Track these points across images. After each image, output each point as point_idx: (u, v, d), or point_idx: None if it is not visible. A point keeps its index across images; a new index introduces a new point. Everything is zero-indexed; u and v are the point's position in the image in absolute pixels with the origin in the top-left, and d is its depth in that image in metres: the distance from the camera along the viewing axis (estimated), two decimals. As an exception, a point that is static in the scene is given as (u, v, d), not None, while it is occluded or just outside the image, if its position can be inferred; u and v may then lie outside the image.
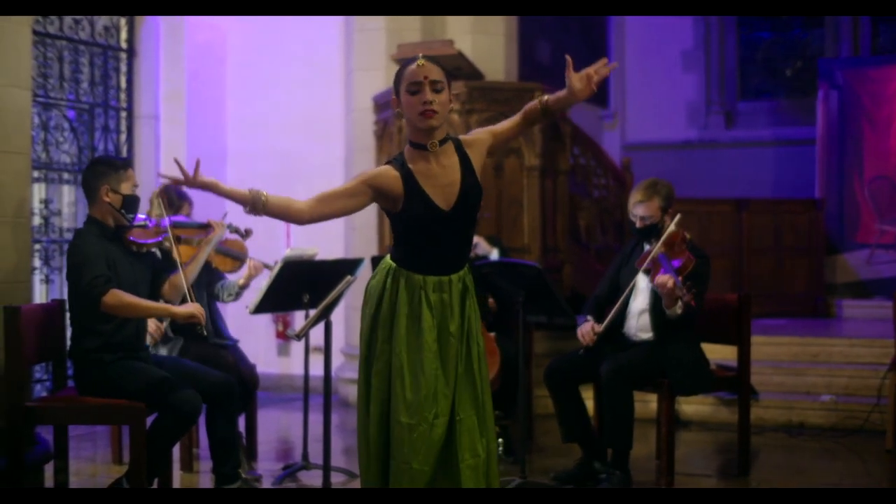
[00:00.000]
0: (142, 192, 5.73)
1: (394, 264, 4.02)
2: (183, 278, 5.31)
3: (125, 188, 5.30)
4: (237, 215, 4.99)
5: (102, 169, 5.33)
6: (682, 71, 15.05)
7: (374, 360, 4.03)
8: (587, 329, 6.12)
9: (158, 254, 5.81)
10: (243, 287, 6.70)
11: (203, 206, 6.62)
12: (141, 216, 5.49)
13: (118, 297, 5.06)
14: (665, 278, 5.74)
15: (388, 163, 4.00)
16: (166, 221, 5.44)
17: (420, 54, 3.93)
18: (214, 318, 6.55)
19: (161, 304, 5.29)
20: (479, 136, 4.11)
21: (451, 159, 3.99)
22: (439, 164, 3.95)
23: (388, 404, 3.95)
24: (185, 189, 6.58)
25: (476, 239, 6.68)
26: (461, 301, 4.02)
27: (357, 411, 4.11)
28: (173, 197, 6.48)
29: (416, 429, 3.85)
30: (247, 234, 6.18)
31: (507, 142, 4.25)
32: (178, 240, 5.47)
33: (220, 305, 6.86)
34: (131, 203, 5.33)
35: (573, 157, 9.20)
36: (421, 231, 3.96)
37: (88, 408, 5.24)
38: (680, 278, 5.71)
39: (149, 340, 5.81)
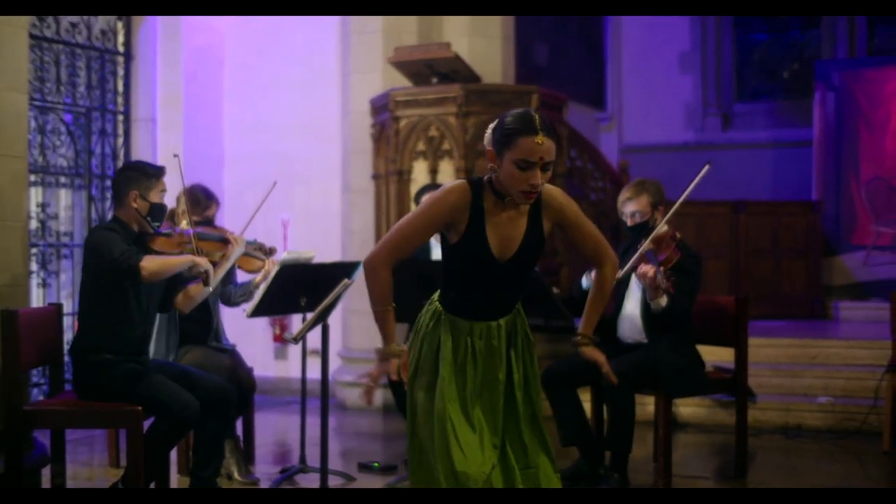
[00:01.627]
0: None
1: (440, 307, 3.84)
2: (198, 292, 5.37)
3: (154, 196, 5.29)
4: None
5: (134, 175, 5.32)
6: (679, 73, 15.07)
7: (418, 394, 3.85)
8: None
9: None
10: (258, 286, 6.64)
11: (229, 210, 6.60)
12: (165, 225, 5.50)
13: (152, 260, 5.09)
14: (646, 268, 5.80)
15: (467, 180, 3.74)
16: (190, 232, 5.42)
17: (539, 129, 3.56)
18: (218, 322, 6.54)
19: (186, 256, 5.25)
20: (564, 209, 3.85)
21: (521, 214, 3.75)
22: (509, 214, 3.72)
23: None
24: (211, 189, 6.62)
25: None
26: (508, 345, 3.85)
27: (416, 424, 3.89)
28: (200, 196, 6.47)
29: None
30: (270, 252, 6.17)
31: (575, 243, 3.99)
32: (198, 252, 5.47)
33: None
34: (158, 211, 5.32)
35: (570, 160, 9.20)
36: (471, 273, 3.77)
37: (86, 411, 5.24)
38: (661, 269, 5.74)
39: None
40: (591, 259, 3.95)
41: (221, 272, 5.58)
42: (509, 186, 3.63)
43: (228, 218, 8.55)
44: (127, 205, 5.27)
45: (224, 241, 5.62)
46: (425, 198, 3.82)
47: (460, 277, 3.79)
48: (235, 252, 5.62)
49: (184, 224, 6.24)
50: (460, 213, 3.68)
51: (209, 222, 6.41)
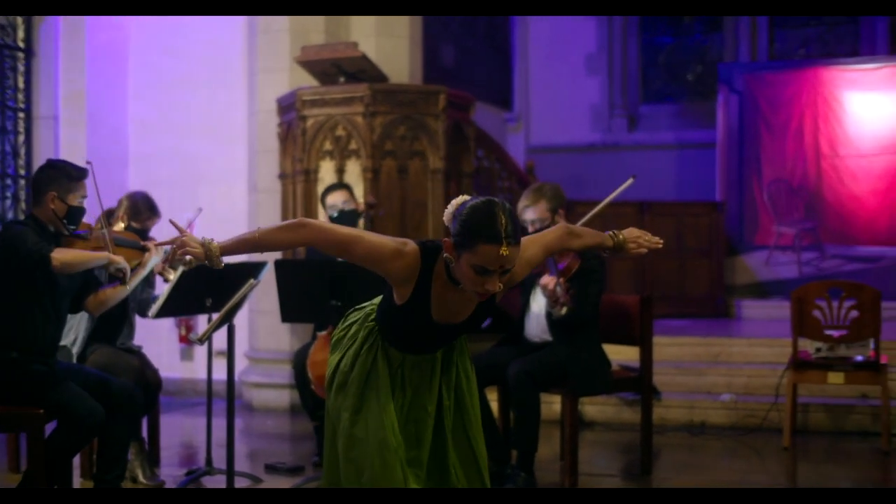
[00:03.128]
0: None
1: (376, 331, 3.66)
2: (113, 295, 5.31)
3: (72, 199, 5.17)
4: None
5: (55, 175, 5.20)
6: (586, 74, 15.21)
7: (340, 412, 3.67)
8: None
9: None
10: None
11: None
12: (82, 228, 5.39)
13: (64, 251, 5.02)
14: (547, 280, 5.83)
15: (420, 248, 3.45)
16: (106, 235, 5.32)
17: (504, 238, 3.21)
18: (131, 325, 6.45)
19: (101, 252, 5.17)
20: (527, 256, 3.56)
21: (472, 300, 3.51)
22: (460, 296, 3.48)
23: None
24: (154, 201, 6.51)
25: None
26: (441, 375, 3.70)
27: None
28: (142, 207, 6.38)
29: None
30: (189, 263, 6.10)
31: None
32: None
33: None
34: (75, 214, 5.20)
35: (477, 160, 9.22)
36: (408, 326, 3.56)
37: (-16, 415, 5.13)
38: (562, 280, 5.78)
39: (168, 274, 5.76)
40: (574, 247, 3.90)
41: (136, 280, 5.50)
42: (462, 282, 3.36)
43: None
44: (44, 205, 5.17)
45: (141, 249, 5.54)
46: (378, 239, 3.47)
47: (399, 329, 3.60)
48: (152, 261, 5.54)
49: (119, 227, 6.16)
50: (404, 279, 3.45)
51: (145, 232, 6.33)
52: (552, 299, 5.84)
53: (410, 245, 3.46)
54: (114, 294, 5.43)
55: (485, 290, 3.31)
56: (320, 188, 8.13)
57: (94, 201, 5.28)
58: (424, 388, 3.67)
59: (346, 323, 3.82)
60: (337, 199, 7.01)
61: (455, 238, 3.32)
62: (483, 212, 3.27)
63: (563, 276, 5.84)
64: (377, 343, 3.65)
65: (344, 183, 7.71)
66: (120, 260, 5.15)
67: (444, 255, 3.39)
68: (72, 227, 5.22)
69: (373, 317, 3.70)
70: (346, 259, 3.54)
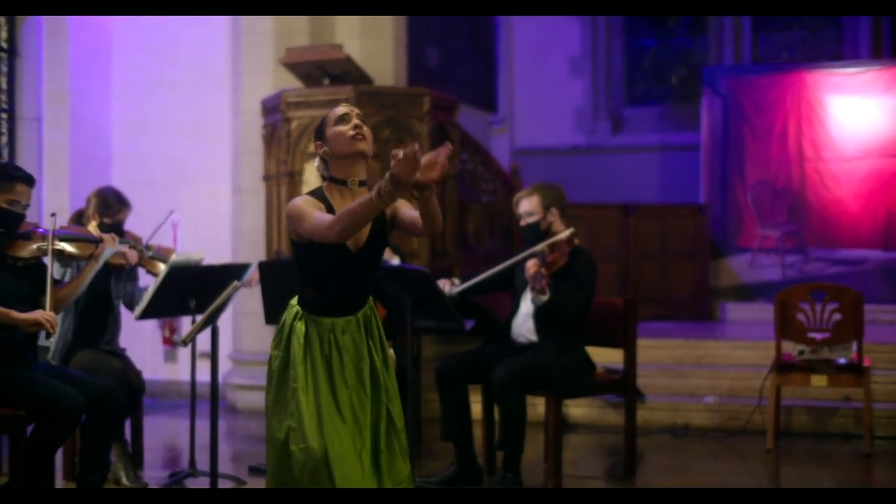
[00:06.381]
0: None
1: (301, 310, 3.99)
2: (66, 294, 5.23)
3: (2, 200, 5.07)
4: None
5: None
6: (570, 77, 15.24)
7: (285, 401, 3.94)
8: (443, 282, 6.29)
9: (57, 269, 5.65)
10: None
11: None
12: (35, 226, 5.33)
13: None
14: (531, 262, 5.90)
15: (308, 194, 3.93)
16: (47, 232, 5.27)
17: (343, 104, 3.96)
18: (116, 326, 6.42)
19: (2, 309, 5.03)
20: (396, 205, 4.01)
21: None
22: (354, 196, 3.84)
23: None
24: (123, 193, 6.46)
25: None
26: (367, 338, 4.02)
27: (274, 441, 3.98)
28: (111, 200, 6.32)
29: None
30: (135, 246, 6.09)
31: (405, 231, 4.05)
32: (61, 254, 5.35)
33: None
34: (4, 218, 5.09)
35: (461, 163, 9.22)
36: (327, 269, 3.92)
37: (-34, 417, 5.10)
38: (544, 270, 5.86)
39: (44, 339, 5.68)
40: (420, 229, 3.90)
41: (91, 273, 5.46)
42: (341, 148, 3.87)
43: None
44: None
45: (92, 241, 5.51)
46: (300, 205, 3.85)
47: (317, 275, 3.95)
48: (106, 252, 5.50)
49: (92, 226, 6.13)
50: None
51: (118, 226, 6.29)
52: (530, 283, 5.91)
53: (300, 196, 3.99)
54: (69, 292, 5.37)
55: (354, 130, 3.84)
56: (304, 190, 8.10)
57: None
58: (358, 351, 3.98)
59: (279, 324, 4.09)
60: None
61: (317, 138, 3.95)
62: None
63: (547, 267, 5.93)
64: (306, 317, 3.96)
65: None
66: (30, 319, 4.94)
67: (319, 155, 3.94)
68: (1, 230, 5.11)
69: (294, 302, 4.03)
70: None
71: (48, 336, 5.00)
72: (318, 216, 3.76)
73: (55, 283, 5.33)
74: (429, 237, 8.42)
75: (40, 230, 5.32)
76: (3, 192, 5.09)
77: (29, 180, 5.18)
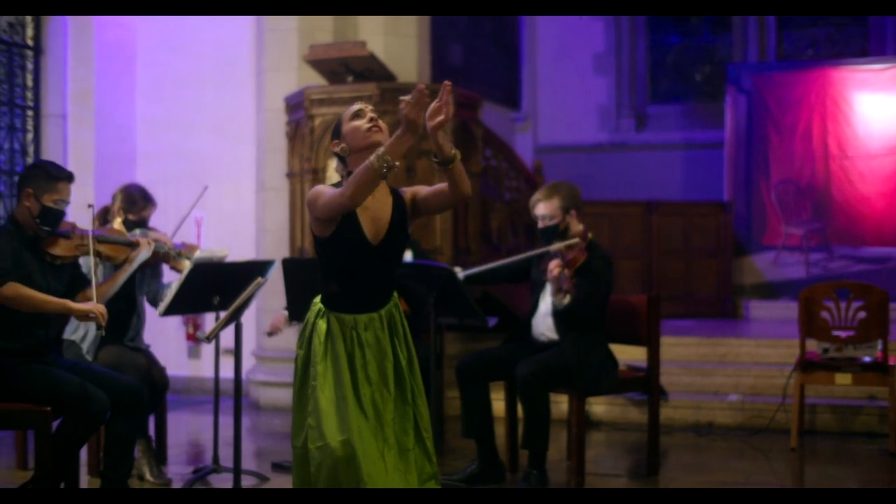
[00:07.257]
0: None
1: (323, 308, 4.00)
2: (99, 294, 5.24)
3: (47, 199, 5.11)
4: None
5: (35, 173, 5.19)
6: (594, 74, 15.20)
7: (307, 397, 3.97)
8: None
9: (84, 266, 5.67)
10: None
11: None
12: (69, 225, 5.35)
13: (15, 288, 4.95)
14: (553, 264, 5.86)
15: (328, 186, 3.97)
16: (89, 233, 5.29)
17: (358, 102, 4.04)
18: (139, 322, 6.44)
19: (59, 300, 5.11)
20: (410, 189, 4.09)
21: (385, 196, 3.99)
22: (374, 197, 3.90)
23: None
24: (149, 190, 6.49)
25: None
26: (391, 336, 4.03)
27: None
28: (136, 196, 6.35)
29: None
30: (179, 255, 6.11)
31: (431, 210, 4.08)
32: (98, 255, 5.37)
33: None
34: (48, 215, 5.14)
35: (485, 160, 9.22)
36: (348, 262, 3.94)
37: (-8, 413, 5.13)
38: (566, 270, 5.80)
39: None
40: (448, 198, 3.93)
41: (124, 276, 5.49)
42: (357, 142, 3.93)
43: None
44: (21, 203, 5.15)
45: (129, 245, 5.53)
46: (317, 188, 3.94)
47: (339, 270, 3.97)
48: (140, 256, 5.53)
49: (117, 223, 6.16)
50: None
51: (144, 223, 6.31)
52: (555, 285, 5.87)
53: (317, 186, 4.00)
54: (101, 292, 5.39)
55: (370, 123, 3.95)
56: (328, 187, 8.12)
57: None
58: (381, 349, 3.98)
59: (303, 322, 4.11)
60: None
61: (335, 137, 4.03)
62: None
63: (569, 267, 5.87)
64: (329, 315, 3.97)
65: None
66: (89, 308, 5.01)
67: (337, 153, 4.01)
68: (45, 228, 5.15)
69: (317, 300, 4.05)
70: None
71: (98, 328, 5.04)
72: (331, 190, 3.83)
73: (87, 282, 5.38)
74: (451, 235, 8.43)
75: (79, 231, 5.34)
76: (48, 191, 5.13)
77: (71, 178, 5.25)
